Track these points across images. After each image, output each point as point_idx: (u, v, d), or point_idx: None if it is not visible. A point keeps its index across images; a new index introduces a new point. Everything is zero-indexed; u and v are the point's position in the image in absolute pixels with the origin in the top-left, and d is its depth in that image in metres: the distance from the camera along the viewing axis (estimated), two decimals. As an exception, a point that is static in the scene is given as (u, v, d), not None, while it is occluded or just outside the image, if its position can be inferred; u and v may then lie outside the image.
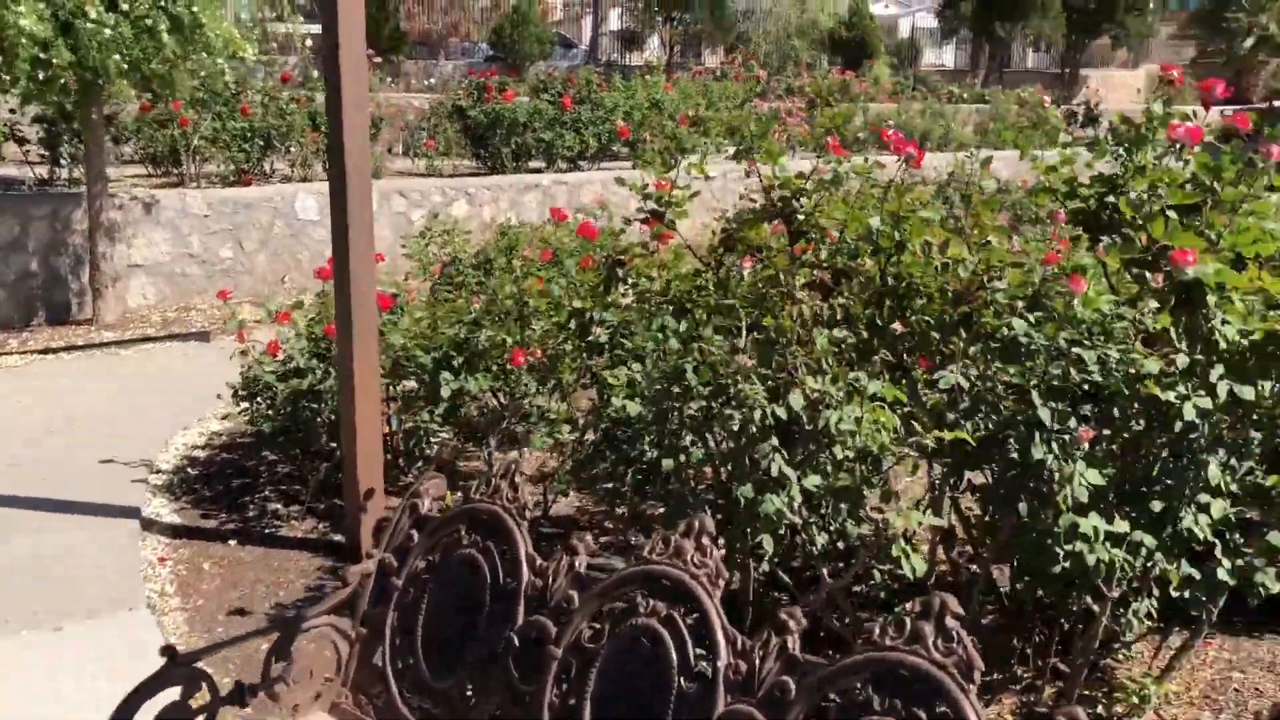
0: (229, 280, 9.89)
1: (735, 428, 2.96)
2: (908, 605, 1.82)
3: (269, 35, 15.47)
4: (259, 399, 5.38)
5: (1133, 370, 2.91)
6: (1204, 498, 3.00)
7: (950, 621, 1.73)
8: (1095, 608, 3.25)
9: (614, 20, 29.79)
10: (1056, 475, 2.87)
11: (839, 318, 3.20)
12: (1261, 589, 2.92)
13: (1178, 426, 2.91)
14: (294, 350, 5.26)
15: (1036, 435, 2.88)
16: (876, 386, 2.87)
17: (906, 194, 3.40)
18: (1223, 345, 2.90)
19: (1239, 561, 2.97)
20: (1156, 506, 3.01)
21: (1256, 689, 3.79)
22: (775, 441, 2.96)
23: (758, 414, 2.91)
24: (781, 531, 3.04)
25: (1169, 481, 2.99)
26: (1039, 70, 35.73)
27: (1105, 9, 32.40)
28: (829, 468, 2.89)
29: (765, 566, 3.09)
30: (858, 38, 30.75)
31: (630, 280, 3.97)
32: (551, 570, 2.37)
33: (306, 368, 5.16)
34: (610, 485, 3.56)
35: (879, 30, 32.25)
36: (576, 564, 2.36)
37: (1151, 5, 33.78)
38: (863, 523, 2.92)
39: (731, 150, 17.15)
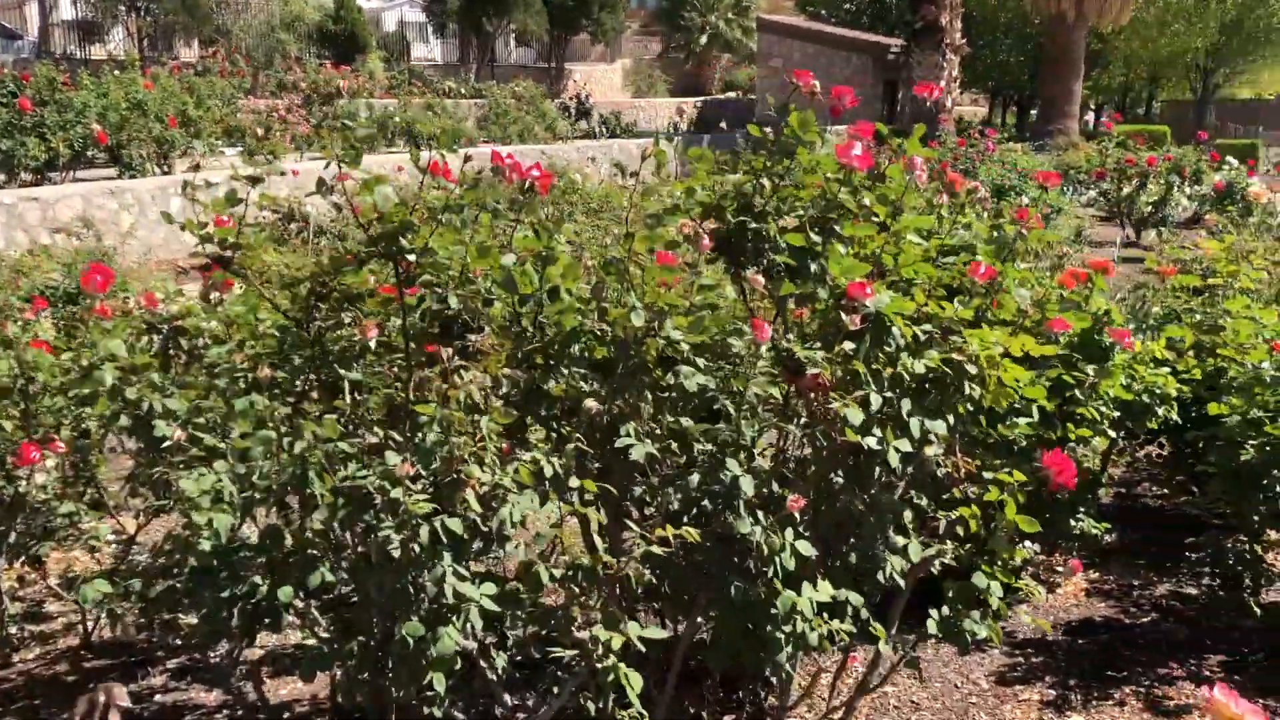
0: None
1: (395, 551, 2.27)
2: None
3: None
4: None
5: (829, 418, 2.62)
6: (899, 540, 2.81)
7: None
8: (789, 669, 2.98)
9: (67, 8, 26.31)
10: (765, 549, 2.51)
11: (506, 391, 2.60)
12: (970, 636, 2.77)
13: (877, 473, 2.68)
14: None
15: (741, 506, 2.49)
16: (574, 480, 2.33)
17: (555, 228, 2.88)
18: (907, 379, 2.70)
19: (945, 610, 2.80)
20: (854, 559, 2.78)
21: (913, 701, 3.77)
22: (449, 560, 2.32)
23: (424, 531, 2.25)
24: (458, 665, 2.41)
25: (863, 532, 2.75)
26: (526, 64, 36.82)
27: (582, 6, 34.00)
28: (526, 593, 2.31)
29: (438, 712, 2.44)
30: (346, 31, 29.77)
31: (190, 347, 3.09)
32: None
33: None
34: (207, 627, 2.70)
35: (367, 24, 31.47)
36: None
37: (621, 3, 35.98)
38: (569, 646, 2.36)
39: (231, 153, 15.45)
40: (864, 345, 2.62)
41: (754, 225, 3.26)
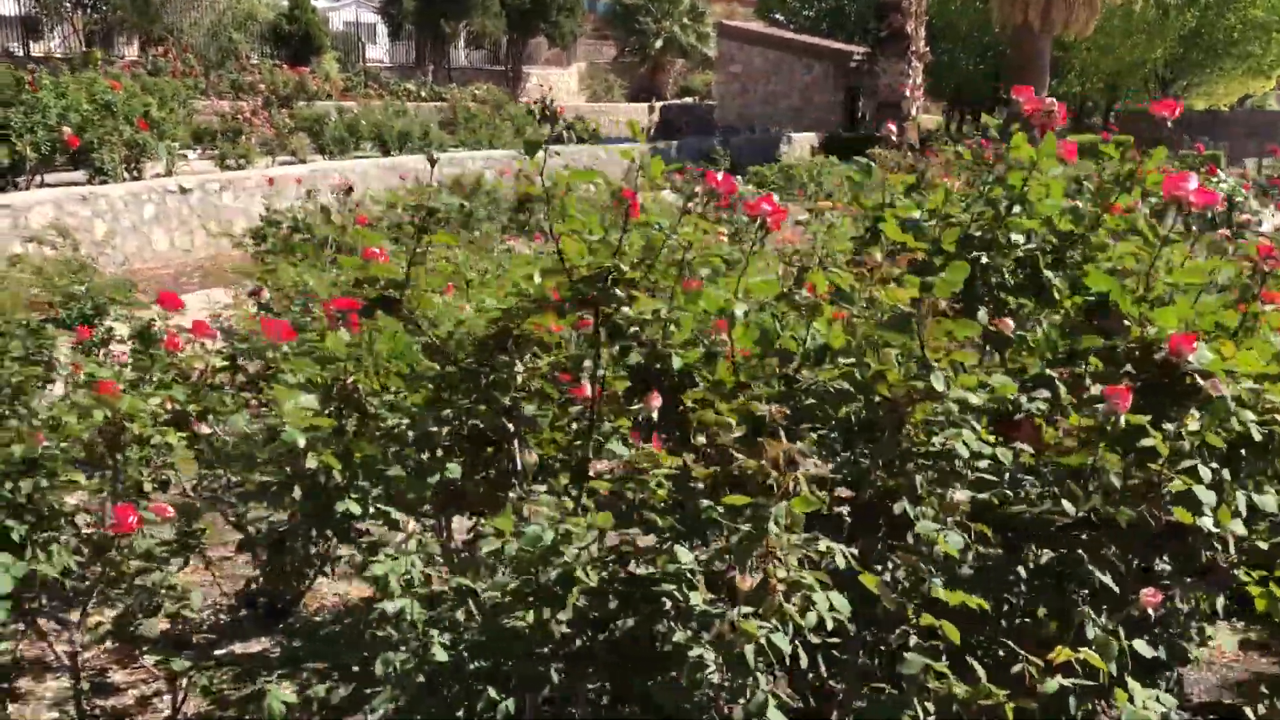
0: None
1: (712, 677, 1.87)
2: None
3: None
4: None
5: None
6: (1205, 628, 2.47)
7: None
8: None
9: (8, 4, 25.30)
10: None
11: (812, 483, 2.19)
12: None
13: (1205, 558, 2.33)
14: None
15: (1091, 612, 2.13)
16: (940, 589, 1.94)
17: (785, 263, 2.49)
18: (1221, 447, 2.36)
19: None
20: (1162, 653, 2.43)
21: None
22: (764, 682, 1.91)
23: (750, 651, 1.85)
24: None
25: (1176, 623, 2.41)
26: (481, 68, 36.20)
27: (540, 9, 33.51)
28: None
29: None
30: (301, 31, 28.96)
31: (365, 408, 2.64)
32: None
33: None
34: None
35: (322, 24, 30.67)
36: None
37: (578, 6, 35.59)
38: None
39: (191, 155, 14.76)
40: (1210, 415, 2.26)
41: (985, 260, 2.92)
